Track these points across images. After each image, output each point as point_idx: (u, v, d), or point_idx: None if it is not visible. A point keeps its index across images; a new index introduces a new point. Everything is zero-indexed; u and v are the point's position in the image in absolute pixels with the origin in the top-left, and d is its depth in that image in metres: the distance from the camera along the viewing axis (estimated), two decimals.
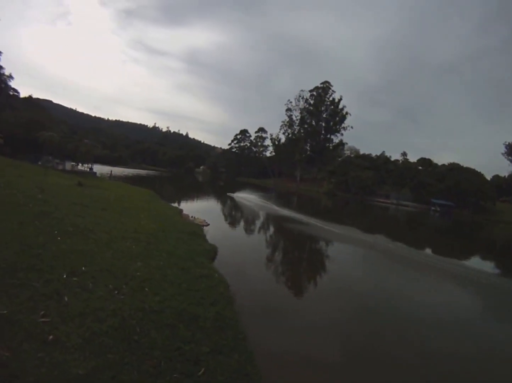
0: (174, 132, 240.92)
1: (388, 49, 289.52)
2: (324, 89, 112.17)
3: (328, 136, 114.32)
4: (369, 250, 18.89)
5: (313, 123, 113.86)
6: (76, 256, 6.87)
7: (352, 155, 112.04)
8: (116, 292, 5.90)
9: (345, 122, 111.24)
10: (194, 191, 50.45)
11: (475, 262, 21.26)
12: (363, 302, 10.55)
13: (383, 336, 8.13)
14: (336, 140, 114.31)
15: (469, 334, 9.15)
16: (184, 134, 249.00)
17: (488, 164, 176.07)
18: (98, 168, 43.66)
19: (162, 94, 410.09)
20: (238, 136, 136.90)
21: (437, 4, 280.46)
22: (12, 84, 50.61)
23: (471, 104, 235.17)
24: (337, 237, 21.72)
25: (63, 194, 14.78)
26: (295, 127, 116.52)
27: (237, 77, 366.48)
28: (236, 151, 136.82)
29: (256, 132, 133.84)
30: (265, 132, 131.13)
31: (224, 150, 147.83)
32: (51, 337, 4.09)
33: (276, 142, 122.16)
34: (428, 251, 22.96)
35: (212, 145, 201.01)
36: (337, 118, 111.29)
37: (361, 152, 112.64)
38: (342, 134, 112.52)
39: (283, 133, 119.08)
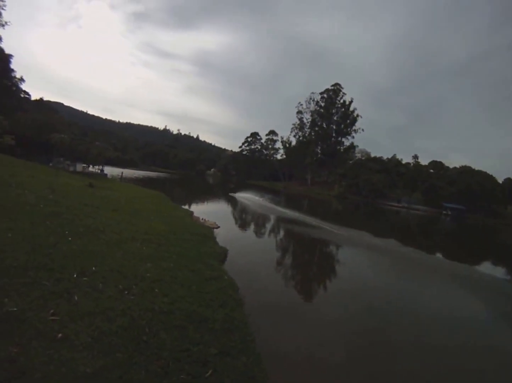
0: (184, 134, 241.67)
1: (399, 51, 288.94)
2: (335, 91, 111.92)
3: (339, 139, 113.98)
4: (380, 254, 18.67)
5: (324, 125, 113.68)
6: (87, 256, 6.92)
7: (363, 158, 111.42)
8: (126, 292, 5.92)
9: (356, 124, 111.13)
10: (205, 194, 50.55)
11: (487, 267, 20.92)
12: (374, 307, 10.41)
13: (396, 343, 8.01)
14: (347, 143, 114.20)
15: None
16: (195, 136, 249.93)
17: (500, 167, 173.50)
18: (109, 170, 43.96)
19: (172, 96, 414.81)
20: (249, 139, 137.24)
21: (446, 5, 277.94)
22: (23, 86, 51.28)
23: (482, 106, 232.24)
24: (347, 241, 21.56)
25: (74, 195, 14.91)
26: (306, 129, 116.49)
27: (248, 80, 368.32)
28: (247, 153, 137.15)
29: (267, 135, 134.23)
30: (276, 134, 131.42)
31: (234, 153, 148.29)
32: (60, 335, 4.13)
33: (287, 145, 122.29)
34: (439, 255, 22.68)
35: (223, 147, 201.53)
36: (348, 121, 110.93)
37: (372, 155, 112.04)
38: (353, 137, 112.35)
39: (294, 136, 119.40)
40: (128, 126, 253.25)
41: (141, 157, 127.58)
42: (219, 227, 18.19)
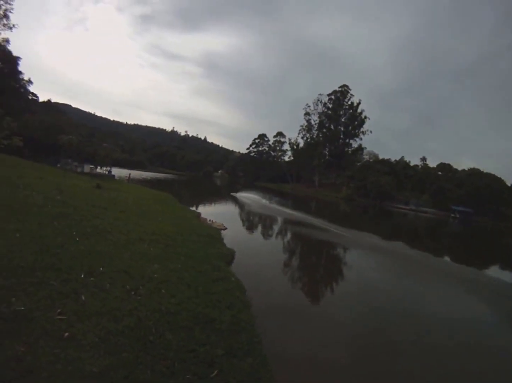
0: (192, 136, 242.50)
1: (405, 52, 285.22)
2: (342, 93, 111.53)
3: (347, 140, 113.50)
4: (387, 257, 18.55)
5: (332, 127, 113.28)
6: (94, 257, 6.96)
7: (371, 160, 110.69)
8: (133, 293, 5.94)
9: (364, 126, 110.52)
10: (212, 195, 50.60)
11: (495, 271, 20.70)
12: (379, 309, 10.35)
13: (401, 344, 7.94)
14: (355, 144, 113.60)
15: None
16: (202, 138, 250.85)
17: (509, 169, 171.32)
18: (117, 171, 44.24)
19: (180, 98, 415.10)
20: (257, 141, 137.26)
21: (452, 6, 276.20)
22: (31, 88, 51.78)
23: (490, 107, 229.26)
24: (354, 243, 21.46)
25: (81, 196, 15.01)
26: (314, 131, 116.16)
27: (255, 81, 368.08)
28: (255, 155, 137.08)
29: (274, 137, 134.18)
30: (284, 136, 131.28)
31: (242, 155, 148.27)
32: (66, 334, 4.15)
33: (295, 147, 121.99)
34: (446, 258, 22.50)
35: (231, 149, 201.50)
36: (356, 123, 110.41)
37: (380, 157, 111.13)
38: (361, 139, 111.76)
39: (302, 138, 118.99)
40: (136, 127, 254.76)
41: (148, 158, 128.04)
42: (226, 228, 18.19)
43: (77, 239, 7.79)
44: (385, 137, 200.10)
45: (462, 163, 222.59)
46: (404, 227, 44.95)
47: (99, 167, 37.86)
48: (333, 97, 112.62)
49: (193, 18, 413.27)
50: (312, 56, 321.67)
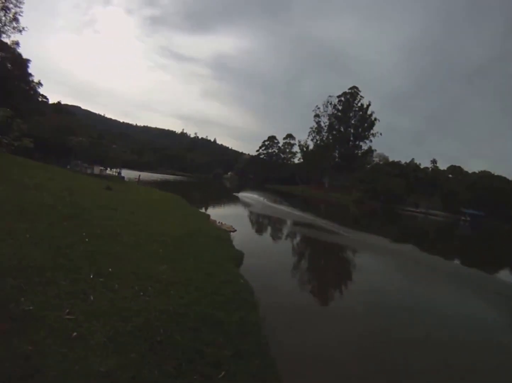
0: (202, 138, 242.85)
1: (417, 54, 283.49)
2: (352, 94, 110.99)
3: (357, 142, 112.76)
4: (397, 260, 18.39)
5: (342, 129, 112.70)
6: (103, 258, 6.99)
7: (381, 163, 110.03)
8: (141, 293, 5.95)
9: (374, 128, 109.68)
10: (222, 197, 50.66)
11: (506, 275, 20.43)
12: (388, 312, 10.27)
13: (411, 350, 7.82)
14: (365, 147, 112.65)
15: None
16: (212, 140, 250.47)
17: None
18: (126, 173, 44.48)
19: (189, 100, 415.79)
20: (266, 143, 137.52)
21: (463, 6, 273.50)
22: (41, 90, 52.56)
23: (502, 109, 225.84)
24: (363, 246, 21.34)
25: (91, 197, 15.10)
26: (324, 133, 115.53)
27: (265, 83, 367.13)
28: (264, 157, 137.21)
29: (284, 139, 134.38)
30: (293, 138, 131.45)
31: (252, 157, 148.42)
32: (74, 334, 4.16)
33: (305, 149, 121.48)
34: (456, 261, 22.26)
35: (240, 151, 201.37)
36: (366, 124, 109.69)
37: (390, 159, 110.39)
38: (371, 141, 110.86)
39: (312, 140, 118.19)
40: (146, 129, 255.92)
41: (158, 160, 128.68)
42: (235, 230, 18.18)
43: (87, 239, 7.83)
44: (395, 139, 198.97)
45: (473, 166, 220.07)
46: (414, 230, 44.53)
47: (109, 169, 38.16)
48: (342, 98, 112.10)
49: (203, 19, 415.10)
50: (322, 57, 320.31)
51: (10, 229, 6.85)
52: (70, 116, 53.28)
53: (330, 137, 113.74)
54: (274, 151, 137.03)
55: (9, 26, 41.59)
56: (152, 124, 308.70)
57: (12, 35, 42.50)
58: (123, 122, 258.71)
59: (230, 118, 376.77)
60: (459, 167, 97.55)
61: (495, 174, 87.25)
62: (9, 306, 4.24)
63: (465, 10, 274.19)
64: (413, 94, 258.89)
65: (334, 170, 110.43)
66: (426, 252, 21.66)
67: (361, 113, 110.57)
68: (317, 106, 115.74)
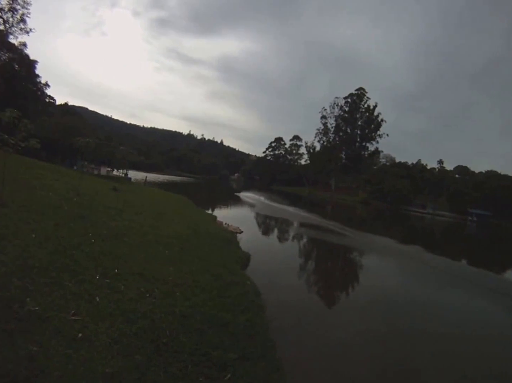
0: (208, 139, 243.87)
1: (423, 54, 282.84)
2: (359, 95, 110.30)
3: (364, 144, 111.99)
4: (403, 261, 18.26)
5: (348, 130, 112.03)
6: (109, 259, 6.96)
7: (388, 164, 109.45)
8: (147, 295, 5.92)
9: (381, 129, 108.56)
10: (229, 199, 50.64)
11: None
12: (394, 313, 10.22)
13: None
14: (371, 148, 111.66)
15: None
16: (219, 141, 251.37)
17: None
18: (133, 174, 44.68)
19: (196, 101, 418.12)
20: (273, 144, 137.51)
21: (468, 7, 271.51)
22: (48, 91, 52.68)
23: (509, 108, 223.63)
24: (370, 247, 21.18)
25: (98, 198, 15.07)
26: (330, 135, 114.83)
27: (272, 85, 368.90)
28: (271, 159, 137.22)
29: (291, 140, 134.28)
30: (300, 140, 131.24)
31: (258, 158, 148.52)
32: (80, 335, 4.14)
33: (311, 150, 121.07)
34: (463, 261, 22.07)
35: (247, 152, 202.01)
36: (373, 126, 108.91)
37: (397, 160, 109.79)
38: (377, 142, 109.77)
39: (318, 141, 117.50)
40: (153, 131, 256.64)
41: (165, 161, 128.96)
42: (242, 232, 18.16)
43: (93, 240, 7.80)
44: (401, 140, 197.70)
45: (481, 166, 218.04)
46: (421, 231, 44.21)
47: (115, 170, 38.30)
48: (349, 100, 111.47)
49: (209, 22, 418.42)
50: (328, 59, 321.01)
51: (16, 229, 6.84)
52: (77, 117, 53.49)
53: (337, 139, 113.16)
54: (281, 153, 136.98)
55: (16, 27, 42.15)
56: (159, 126, 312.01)
57: (19, 36, 43.04)
58: (130, 123, 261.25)
59: (237, 119, 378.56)
60: (466, 167, 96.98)
61: (502, 173, 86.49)
62: (14, 306, 4.21)
63: (470, 10, 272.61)
64: (420, 95, 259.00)
65: (341, 171, 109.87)
66: (432, 253, 21.47)
67: (367, 114, 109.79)
68: (323, 107, 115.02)
